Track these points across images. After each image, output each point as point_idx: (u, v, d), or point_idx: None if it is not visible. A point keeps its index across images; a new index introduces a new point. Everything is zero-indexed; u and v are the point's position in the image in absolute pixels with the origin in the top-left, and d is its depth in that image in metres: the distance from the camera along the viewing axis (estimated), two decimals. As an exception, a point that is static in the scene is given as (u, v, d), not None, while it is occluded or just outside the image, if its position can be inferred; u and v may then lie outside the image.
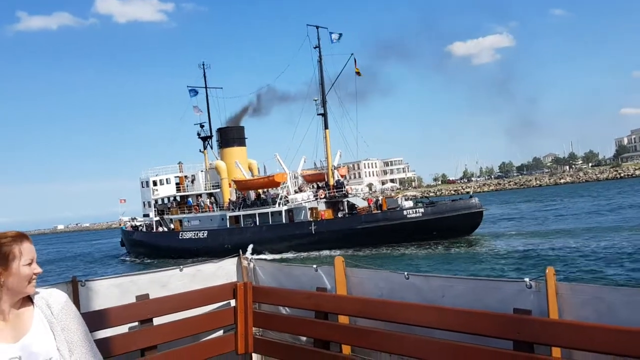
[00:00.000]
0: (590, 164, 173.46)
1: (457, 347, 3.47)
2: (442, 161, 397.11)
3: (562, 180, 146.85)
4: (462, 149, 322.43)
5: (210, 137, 48.81)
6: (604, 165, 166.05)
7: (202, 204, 45.40)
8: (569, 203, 67.25)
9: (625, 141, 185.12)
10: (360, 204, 41.46)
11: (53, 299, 2.49)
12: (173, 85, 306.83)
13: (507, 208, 70.00)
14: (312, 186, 45.98)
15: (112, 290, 4.49)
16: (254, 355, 4.97)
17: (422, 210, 37.59)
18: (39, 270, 2.41)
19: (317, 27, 43.32)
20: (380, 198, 42.95)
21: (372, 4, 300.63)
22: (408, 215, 37.46)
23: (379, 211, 38.78)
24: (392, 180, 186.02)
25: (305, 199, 41.12)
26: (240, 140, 46.97)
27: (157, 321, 4.43)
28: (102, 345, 3.62)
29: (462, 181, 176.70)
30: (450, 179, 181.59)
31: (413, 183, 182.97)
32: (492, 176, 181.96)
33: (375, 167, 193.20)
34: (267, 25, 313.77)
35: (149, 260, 45.21)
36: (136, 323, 4.34)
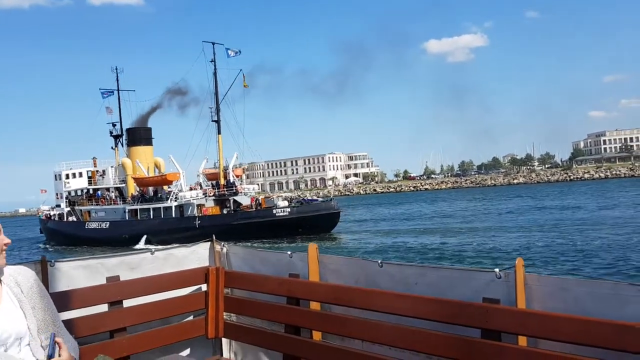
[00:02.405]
0: (546, 166, 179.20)
1: (427, 334, 3.56)
2: (407, 157, 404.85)
3: (515, 181, 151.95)
4: (429, 146, 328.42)
5: (121, 135, 53.28)
6: (558, 167, 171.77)
7: (107, 197, 49.82)
8: (488, 203, 71.89)
9: (582, 145, 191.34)
10: (245, 202, 45.91)
11: (22, 277, 2.39)
12: (146, 69, 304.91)
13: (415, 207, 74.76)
14: (212, 184, 50.42)
15: (81, 272, 4.46)
16: (224, 340, 5.05)
17: (288, 209, 42.24)
18: (7, 240, 2.32)
19: (213, 44, 47.85)
20: (260, 198, 47.46)
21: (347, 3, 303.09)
22: (277, 214, 42.03)
23: (253, 209, 43.44)
24: (355, 175, 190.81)
25: (194, 196, 45.55)
26: (147, 140, 51.26)
27: (127, 304, 4.46)
28: (70, 326, 3.71)
29: (421, 178, 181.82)
30: (411, 175, 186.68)
31: (376, 178, 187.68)
32: (451, 174, 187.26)
33: (340, 161, 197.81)
34: (254, 16, 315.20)
35: (59, 247, 49.38)
36: (105, 305, 4.36)
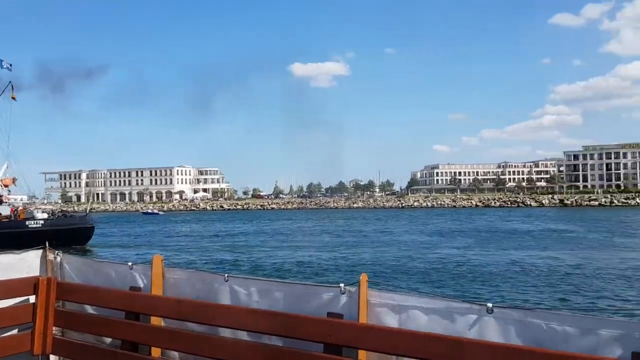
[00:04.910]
0: (385, 193, 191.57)
1: (267, 349, 3.55)
2: (262, 176, 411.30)
3: (355, 205, 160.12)
4: (284, 166, 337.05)
5: None
6: (395, 194, 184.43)
7: None
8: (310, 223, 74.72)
9: (418, 175, 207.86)
10: (5, 212, 43.98)
11: None
12: None
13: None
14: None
15: None
16: (52, 357, 4.67)
17: (42, 222, 41.29)
18: None
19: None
20: (19, 208, 45.82)
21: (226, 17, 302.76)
22: (29, 226, 40.86)
23: (7, 219, 41.84)
24: (204, 190, 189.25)
25: (-49, 205, 42.81)
26: None
27: None
28: None
29: (270, 197, 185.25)
30: (260, 193, 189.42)
31: (225, 194, 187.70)
32: (298, 195, 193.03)
33: (189, 174, 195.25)
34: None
35: None
36: None
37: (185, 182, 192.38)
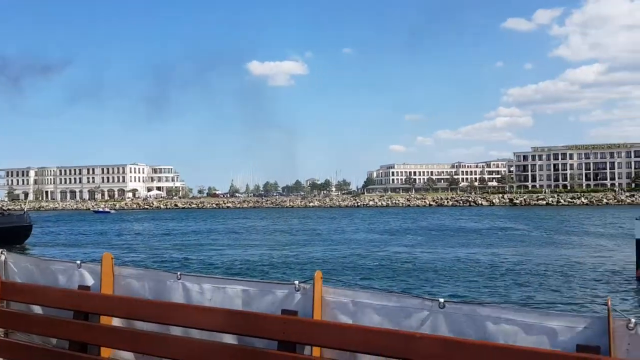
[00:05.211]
0: (342, 192, 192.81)
1: (220, 347, 3.52)
2: (220, 175, 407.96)
3: (311, 204, 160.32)
4: (241, 164, 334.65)
5: None
6: (351, 193, 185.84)
7: None
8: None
9: (375, 174, 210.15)
10: None
11: None
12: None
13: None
14: None
15: None
16: None
17: (-26, 220, 39.96)
18: None
19: None
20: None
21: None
22: (-39, 224, 39.44)
23: None
24: (159, 188, 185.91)
25: None
26: None
27: None
28: None
29: (225, 196, 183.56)
30: (216, 192, 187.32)
31: (180, 193, 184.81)
32: (254, 194, 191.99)
33: (143, 172, 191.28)
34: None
35: None
36: None
37: (139, 180, 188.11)
